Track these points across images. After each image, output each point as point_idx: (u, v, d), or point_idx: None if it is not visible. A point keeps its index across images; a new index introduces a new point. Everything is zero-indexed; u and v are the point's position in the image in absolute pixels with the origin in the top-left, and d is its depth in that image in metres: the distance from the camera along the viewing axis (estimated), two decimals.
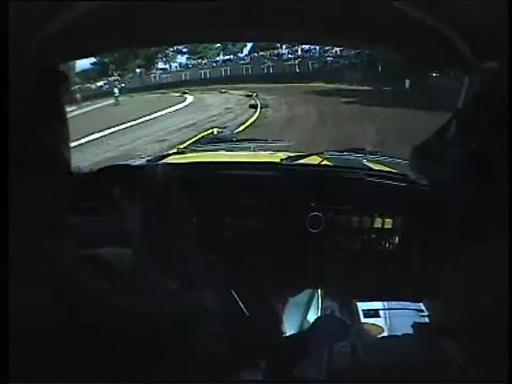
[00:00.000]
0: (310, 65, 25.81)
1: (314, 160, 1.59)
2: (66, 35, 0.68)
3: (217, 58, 33.03)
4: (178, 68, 35.96)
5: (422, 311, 0.89)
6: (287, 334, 1.30)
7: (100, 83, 37.91)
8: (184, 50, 33.88)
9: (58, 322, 0.53)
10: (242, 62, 30.69)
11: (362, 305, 0.95)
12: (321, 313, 1.20)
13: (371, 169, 1.68)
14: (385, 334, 0.85)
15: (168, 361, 0.64)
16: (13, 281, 0.50)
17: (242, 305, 1.29)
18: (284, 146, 1.91)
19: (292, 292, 1.38)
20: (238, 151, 1.98)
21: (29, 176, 0.59)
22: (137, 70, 37.71)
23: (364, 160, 1.72)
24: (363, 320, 0.91)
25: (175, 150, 1.72)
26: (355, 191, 1.45)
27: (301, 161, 1.59)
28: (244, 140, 1.93)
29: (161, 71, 36.10)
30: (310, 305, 1.33)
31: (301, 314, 1.32)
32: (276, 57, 27.83)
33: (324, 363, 0.82)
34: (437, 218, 0.79)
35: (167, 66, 36.86)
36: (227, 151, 1.96)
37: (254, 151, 2.00)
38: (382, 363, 0.72)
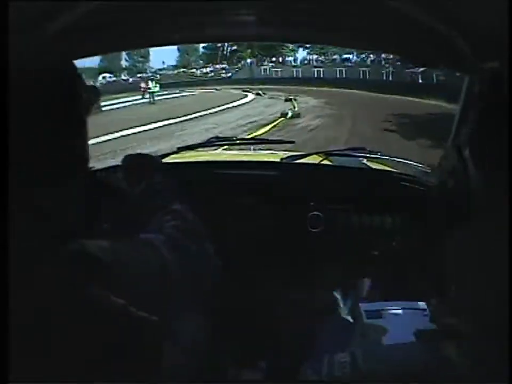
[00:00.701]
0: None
1: (314, 159, 1.58)
2: (66, 35, 0.68)
3: (336, 56, 28.90)
4: (293, 63, 31.89)
5: (423, 310, 0.89)
6: (287, 334, 1.30)
7: (206, 69, 35.39)
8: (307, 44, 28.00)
9: (58, 323, 0.53)
10: (362, 64, 25.66)
11: (364, 306, 0.94)
12: (322, 313, 1.19)
13: (371, 168, 1.68)
14: (388, 335, 0.85)
15: (168, 361, 0.64)
16: (16, 281, 0.50)
17: (241, 305, 1.29)
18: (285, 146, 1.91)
19: (292, 292, 1.38)
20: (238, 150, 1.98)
21: (33, 177, 0.59)
22: (248, 60, 34.20)
23: (364, 160, 1.72)
24: (366, 321, 0.91)
25: (175, 150, 1.72)
26: (355, 190, 1.45)
27: (301, 160, 1.59)
28: (244, 140, 1.93)
29: (272, 64, 32.41)
30: (310, 305, 1.33)
31: (301, 314, 1.32)
32: (398, 63, 21.84)
33: (326, 365, 0.82)
34: (438, 217, 0.79)
35: (281, 59, 32.95)
36: (227, 150, 1.96)
37: (254, 150, 1.99)
38: (384, 366, 0.72)
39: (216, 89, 26.09)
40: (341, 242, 1.42)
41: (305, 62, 31.26)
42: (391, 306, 0.94)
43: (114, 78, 36.15)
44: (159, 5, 0.74)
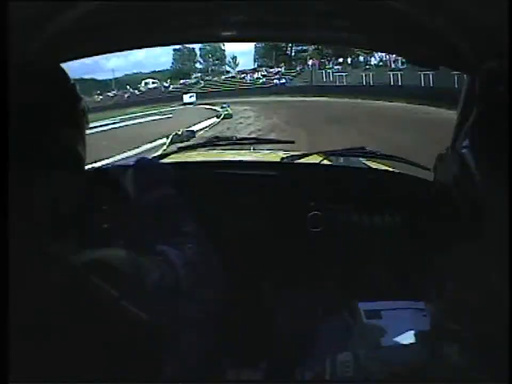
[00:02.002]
0: None
1: (314, 159, 1.58)
2: (66, 35, 0.68)
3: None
4: (364, 66, 24.24)
5: (423, 310, 0.89)
6: (287, 334, 1.31)
7: (257, 75, 30.05)
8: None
9: (59, 323, 0.53)
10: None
11: (364, 306, 0.94)
12: (322, 313, 1.19)
13: (371, 168, 1.68)
14: (387, 335, 0.85)
15: (168, 362, 0.64)
16: (16, 281, 0.50)
17: (242, 305, 1.29)
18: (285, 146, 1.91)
19: (292, 292, 1.38)
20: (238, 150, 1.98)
21: (34, 176, 0.59)
22: (309, 62, 28.14)
23: (364, 160, 1.72)
24: (365, 321, 0.91)
25: (175, 150, 1.72)
26: (355, 190, 1.45)
27: (301, 160, 1.59)
28: (245, 139, 1.93)
29: (338, 67, 25.87)
30: (310, 305, 1.33)
31: (301, 314, 1.32)
32: None
33: (325, 365, 0.81)
34: (438, 217, 0.79)
35: (350, 60, 25.71)
36: (227, 150, 1.96)
37: (254, 150, 2.00)
38: (384, 365, 0.72)
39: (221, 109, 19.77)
40: (341, 242, 1.42)
41: (381, 63, 24.12)
42: (391, 306, 0.94)
43: (155, 85, 33.76)
44: (160, 5, 0.74)
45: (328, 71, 24.73)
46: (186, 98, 26.69)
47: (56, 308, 0.55)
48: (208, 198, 1.42)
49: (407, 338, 0.79)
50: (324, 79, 24.74)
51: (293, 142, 1.86)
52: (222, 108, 19.83)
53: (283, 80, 28.33)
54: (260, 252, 1.40)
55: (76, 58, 0.87)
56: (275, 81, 28.60)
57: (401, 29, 0.81)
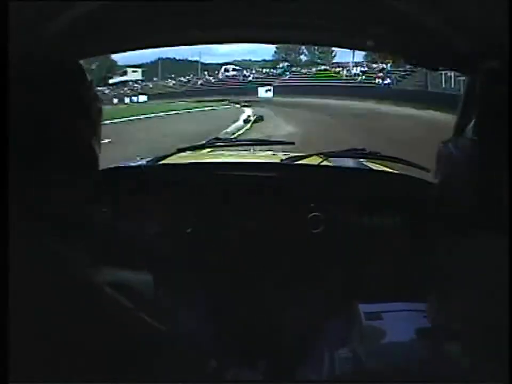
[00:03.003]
0: None
1: (314, 160, 1.58)
2: (66, 35, 0.68)
3: None
4: None
5: (424, 312, 0.88)
6: (287, 335, 1.31)
7: (356, 70, 24.25)
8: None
9: (59, 323, 0.53)
10: None
11: (364, 308, 0.94)
12: (322, 314, 1.19)
13: (371, 169, 1.68)
14: (387, 337, 0.84)
15: (168, 362, 0.64)
16: (16, 281, 0.50)
17: (242, 305, 1.29)
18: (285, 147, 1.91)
19: (292, 293, 1.38)
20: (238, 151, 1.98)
21: (39, 176, 0.59)
22: None
23: (364, 161, 1.72)
24: (365, 323, 0.90)
25: (175, 150, 1.71)
26: (355, 191, 1.45)
27: (301, 161, 1.59)
28: (244, 141, 1.93)
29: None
30: (310, 305, 1.33)
31: (301, 315, 1.32)
32: None
33: (325, 366, 0.81)
34: (438, 218, 0.79)
35: None
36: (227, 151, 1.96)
37: (254, 151, 1.99)
38: (384, 367, 0.71)
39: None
40: (342, 243, 1.42)
41: None
42: (391, 307, 0.94)
43: (234, 72, 30.99)
44: (160, 5, 0.74)
45: (450, 74, 16.17)
46: (262, 92, 22.05)
47: (56, 308, 0.55)
48: (208, 199, 1.42)
49: (407, 339, 0.79)
50: (443, 85, 17.44)
51: (292, 143, 1.86)
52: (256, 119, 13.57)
53: (388, 81, 21.61)
54: (259, 253, 1.40)
55: (75, 58, 0.87)
56: (377, 80, 22.17)
57: (401, 29, 0.81)
